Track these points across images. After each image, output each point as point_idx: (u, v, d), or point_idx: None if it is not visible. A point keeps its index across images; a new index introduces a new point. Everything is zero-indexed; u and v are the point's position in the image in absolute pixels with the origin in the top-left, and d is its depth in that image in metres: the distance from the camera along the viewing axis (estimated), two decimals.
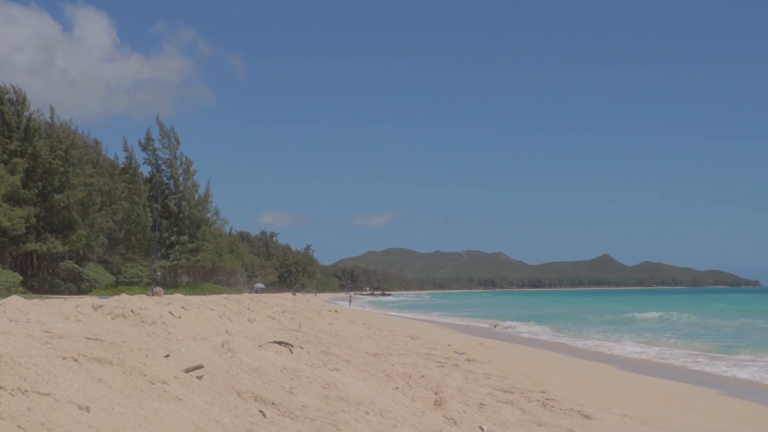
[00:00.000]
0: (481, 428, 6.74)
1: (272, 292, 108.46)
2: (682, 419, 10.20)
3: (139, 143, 79.25)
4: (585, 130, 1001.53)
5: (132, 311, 6.89)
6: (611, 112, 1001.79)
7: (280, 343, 9.04)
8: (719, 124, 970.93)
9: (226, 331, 9.92)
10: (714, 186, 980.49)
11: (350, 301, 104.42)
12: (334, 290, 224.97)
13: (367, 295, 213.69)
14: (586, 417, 8.81)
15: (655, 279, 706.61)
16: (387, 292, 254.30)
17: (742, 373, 18.38)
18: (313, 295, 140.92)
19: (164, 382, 4.56)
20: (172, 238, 77.08)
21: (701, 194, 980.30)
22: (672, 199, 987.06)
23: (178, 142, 79.86)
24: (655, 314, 51.18)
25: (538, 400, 9.71)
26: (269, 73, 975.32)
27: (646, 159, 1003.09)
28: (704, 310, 61.30)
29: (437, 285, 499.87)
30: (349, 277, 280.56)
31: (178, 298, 15.67)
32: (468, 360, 15.99)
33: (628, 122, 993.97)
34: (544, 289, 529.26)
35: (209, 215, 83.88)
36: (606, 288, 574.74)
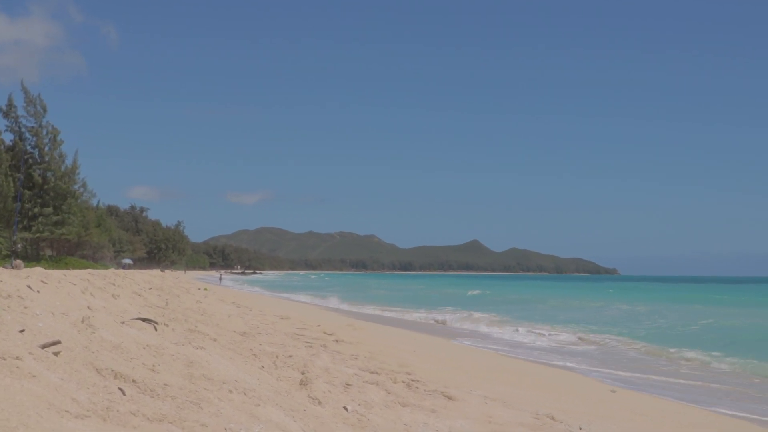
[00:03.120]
0: (345, 408, 6.79)
1: (140, 269, 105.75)
2: (543, 400, 10.60)
3: (0, 109, 75.23)
4: (460, 110, 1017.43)
5: None
6: (483, 93, 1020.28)
7: (144, 320, 8.82)
8: (592, 105, 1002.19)
9: (88, 307, 9.60)
10: (577, 174, 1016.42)
11: (220, 279, 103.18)
12: (204, 268, 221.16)
13: (238, 273, 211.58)
14: (449, 398, 9.02)
15: (521, 265, 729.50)
16: (258, 271, 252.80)
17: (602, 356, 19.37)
18: (183, 272, 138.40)
19: (17, 358, 4.36)
20: (36, 209, 73.79)
21: (565, 182, 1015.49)
22: (538, 186, 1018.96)
23: (44, 110, 76.16)
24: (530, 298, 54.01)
25: (403, 381, 9.87)
26: (144, 45, 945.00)
27: (513, 144, 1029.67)
28: (580, 296, 64.41)
29: (309, 265, 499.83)
30: (220, 255, 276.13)
31: (38, 271, 15.05)
32: (336, 341, 16.10)
33: (501, 104, 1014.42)
34: (414, 273, 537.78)
35: (76, 187, 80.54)
36: (474, 273, 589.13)
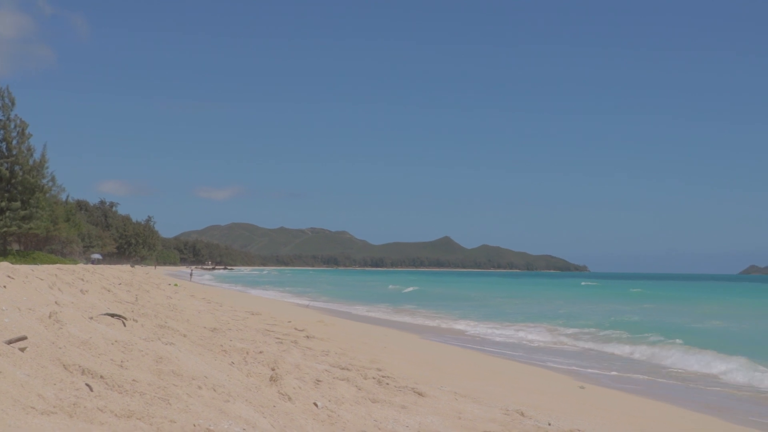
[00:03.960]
0: (315, 404, 6.78)
1: (110, 264, 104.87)
2: (512, 396, 10.66)
3: None
4: (432, 107, 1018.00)
5: None
6: (453, 89, 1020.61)
7: (113, 315, 8.75)
8: (563, 102, 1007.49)
9: (56, 302, 9.51)
10: (548, 172, 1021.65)
11: (191, 274, 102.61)
12: (175, 264, 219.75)
13: (209, 269, 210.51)
14: (420, 394, 9.04)
15: (492, 262, 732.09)
16: (229, 267, 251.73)
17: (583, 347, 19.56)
18: (153, 267, 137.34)
19: None
20: (3, 203, 72.91)
21: (536, 180, 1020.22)
22: (510, 183, 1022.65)
23: (12, 103, 75.18)
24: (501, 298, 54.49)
25: (374, 378, 9.88)
26: (115, 38, 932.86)
27: (485, 141, 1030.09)
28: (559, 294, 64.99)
29: (280, 261, 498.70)
30: (191, 251, 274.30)
31: (4, 266, 14.87)
32: (307, 337, 16.08)
33: (473, 101, 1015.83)
34: (385, 269, 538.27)
35: (45, 181, 79.60)
36: (446, 269, 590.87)
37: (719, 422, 10.70)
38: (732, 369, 16.15)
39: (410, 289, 69.64)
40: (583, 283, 55.20)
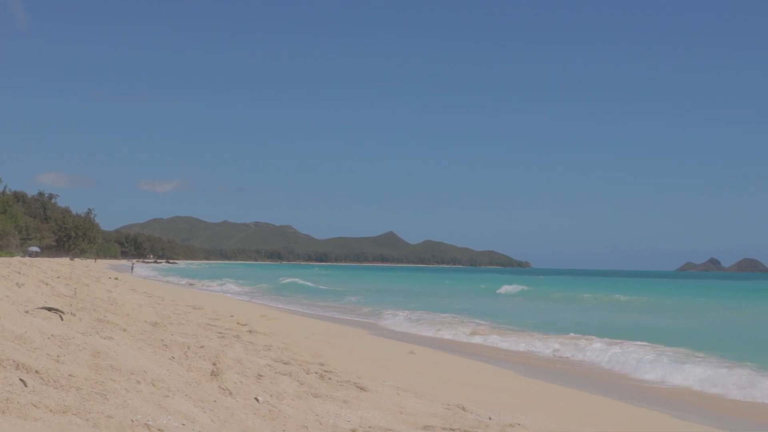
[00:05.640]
0: (256, 399, 6.75)
1: (48, 257, 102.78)
2: (454, 391, 10.75)
3: None
4: (378, 101, 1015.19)
5: None
6: (399, 83, 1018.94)
7: (50, 309, 8.57)
8: (507, 97, 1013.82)
9: None
10: (493, 167, 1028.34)
11: (132, 268, 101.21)
12: (116, 257, 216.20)
13: (151, 263, 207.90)
14: (362, 389, 9.05)
15: (436, 257, 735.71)
16: (172, 261, 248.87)
17: (521, 347, 19.88)
18: (93, 261, 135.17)
19: None
20: None
21: (481, 175, 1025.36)
22: (454, 179, 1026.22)
23: None
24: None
25: (316, 372, 9.86)
26: (55, 29, 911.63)
27: (429, 136, 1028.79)
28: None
29: (224, 255, 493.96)
30: (132, 244, 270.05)
31: None
32: (250, 331, 15.97)
33: (416, 95, 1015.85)
34: (329, 264, 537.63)
35: None
36: (390, 265, 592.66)
37: (647, 412, 10.95)
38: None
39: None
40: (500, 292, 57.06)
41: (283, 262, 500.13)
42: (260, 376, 8.35)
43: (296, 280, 73.64)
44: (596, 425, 9.47)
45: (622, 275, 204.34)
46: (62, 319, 8.27)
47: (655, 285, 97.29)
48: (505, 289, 62.61)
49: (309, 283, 66.97)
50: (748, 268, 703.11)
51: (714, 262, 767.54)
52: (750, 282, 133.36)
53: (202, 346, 9.98)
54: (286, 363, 10.59)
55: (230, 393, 6.71)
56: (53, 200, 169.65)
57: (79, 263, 76.66)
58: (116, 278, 40.25)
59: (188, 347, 9.54)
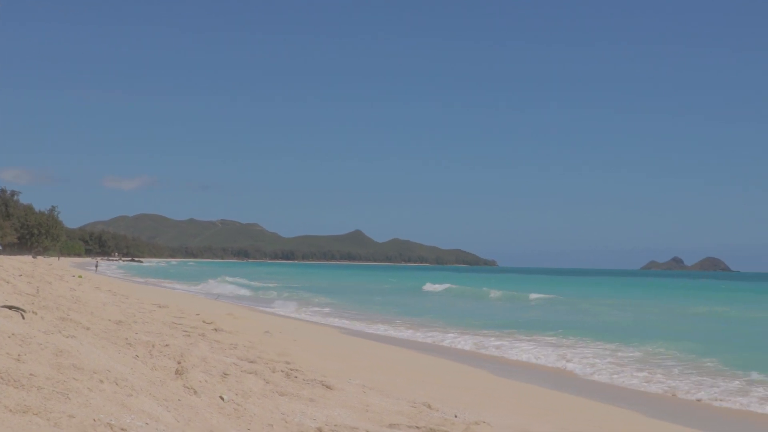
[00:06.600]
0: (221, 397, 6.71)
1: (10, 255, 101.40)
2: (420, 389, 10.77)
3: None
4: (345, 100, 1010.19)
5: None
6: (365, 82, 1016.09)
7: (11, 307, 8.46)
8: (473, 95, 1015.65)
9: None
10: (459, 165, 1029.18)
11: (96, 266, 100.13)
12: (80, 255, 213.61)
13: (116, 260, 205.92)
14: (328, 387, 9.04)
15: (403, 256, 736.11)
16: (137, 259, 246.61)
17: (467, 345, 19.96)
18: (57, 259, 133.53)
19: None
20: None
21: (447, 173, 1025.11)
22: (420, 177, 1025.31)
23: None
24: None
25: (282, 371, 9.83)
26: (17, 26, 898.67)
27: (395, 133, 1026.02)
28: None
29: (190, 253, 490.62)
30: (96, 242, 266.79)
31: None
32: (216, 330, 15.87)
33: (381, 93, 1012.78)
34: (297, 262, 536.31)
35: None
36: (357, 263, 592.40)
37: (610, 408, 11.07)
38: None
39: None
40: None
41: (250, 260, 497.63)
42: (226, 374, 8.31)
43: (237, 279, 72.94)
44: (558, 421, 9.56)
45: (581, 274, 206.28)
46: (24, 318, 8.16)
47: (593, 283, 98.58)
48: (430, 286, 64.80)
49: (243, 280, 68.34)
50: (711, 267, 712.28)
51: (677, 261, 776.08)
52: (698, 281, 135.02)
53: (167, 345, 9.91)
54: (252, 361, 10.54)
55: (195, 392, 6.66)
56: (15, 197, 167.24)
57: (42, 261, 75.72)
58: (80, 276, 39.80)
59: (153, 346, 9.47)
